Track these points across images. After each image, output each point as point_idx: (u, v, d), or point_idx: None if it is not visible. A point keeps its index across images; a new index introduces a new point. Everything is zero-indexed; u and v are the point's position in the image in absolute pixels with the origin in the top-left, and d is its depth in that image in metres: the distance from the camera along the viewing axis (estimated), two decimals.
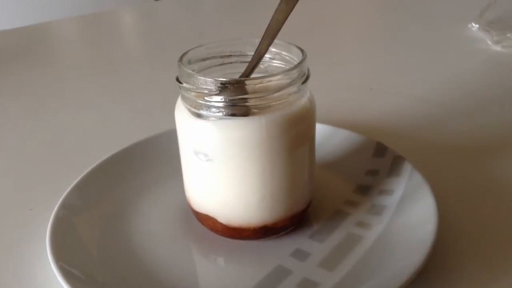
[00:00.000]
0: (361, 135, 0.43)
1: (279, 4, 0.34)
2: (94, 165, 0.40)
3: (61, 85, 0.67)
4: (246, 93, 0.31)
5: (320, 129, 0.44)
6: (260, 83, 0.30)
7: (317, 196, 0.38)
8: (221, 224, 0.34)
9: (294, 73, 0.31)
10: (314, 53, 0.72)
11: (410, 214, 0.35)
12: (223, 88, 0.30)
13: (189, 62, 0.34)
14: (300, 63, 0.32)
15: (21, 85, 0.66)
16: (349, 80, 0.63)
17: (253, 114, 0.31)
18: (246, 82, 0.31)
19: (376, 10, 0.98)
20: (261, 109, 0.31)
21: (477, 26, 0.73)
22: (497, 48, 0.69)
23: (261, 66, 0.36)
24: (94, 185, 0.38)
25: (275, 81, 0.31)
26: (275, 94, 0.31)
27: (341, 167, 0.42)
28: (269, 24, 0.34)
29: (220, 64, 0.36)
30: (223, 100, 0.30)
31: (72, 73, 0.71)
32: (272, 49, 0.35)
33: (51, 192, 0.41)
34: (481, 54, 0.69)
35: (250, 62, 0.34)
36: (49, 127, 0.54)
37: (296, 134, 0.32)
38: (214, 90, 0.30)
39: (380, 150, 0.41)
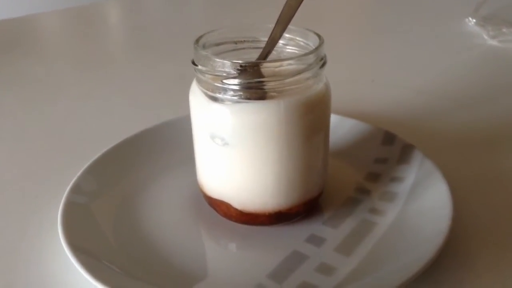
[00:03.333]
0: (369, 124, 0.43)
1: None
2: (104, 150, 0.39)
3: (53, 76, 0.66)
4: (262, 76, 0.31)
5: None
6: (278, 67, 0.30)
7: (329, 183, 0.38)
8: (235, 209, 0.33)
9: (311, 58, 0.31)
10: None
11: (423, 201, 0.35)
12: (241, 70, 0.30)
13: (204, 47, 0.33)
14: (317, 47, 0.32)
15: (14, 76, 0.65)
16: (350, 72, 0.63)
17: (270, 98, 0.31)
18: (264, 65, 0.30)
19: (375, 4, 0.99)
20: (278, 93, 0.31)
21: (474, 21, 0.74)
22: (493, 42, 0.70)
23: (274, 52, 0.35)
24: (104, 170, 0.38)
25: (293, 65, 0.31)
26: (293, 78, 0.31)
27: (350, 156, 0.42)
28: (282, 10, 0.34)
29: (233, 50, 0.35)
30: (241, 83, 0.30)
31: (62, 65, 0.70)
32: (286, 34, 0.35)
33: (54, 179, 0.41)
34: (478, 48, 0.70)
35: (264, 48, 0.34)
36: (47, 117, 0.54)
37: (312, 119, 0.32)
38: (232, 72, 0.30)
39: (388, 138, 0.42)
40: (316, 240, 0.33)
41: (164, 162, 0.40)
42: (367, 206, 0.36)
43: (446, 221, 0.31)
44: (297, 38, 0.35)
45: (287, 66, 0.31)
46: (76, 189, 0.35)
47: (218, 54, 0.35)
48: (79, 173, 0.37)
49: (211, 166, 0.33)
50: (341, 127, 0.44)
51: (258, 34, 0.35)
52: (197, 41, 0.32)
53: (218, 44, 0.35)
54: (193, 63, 0.32)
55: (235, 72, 0.30)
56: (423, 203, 0.35)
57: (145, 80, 0.63)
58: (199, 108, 0.32)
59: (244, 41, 0.36)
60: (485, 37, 0.71)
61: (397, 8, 0.93)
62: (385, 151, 0.41)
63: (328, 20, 0.86)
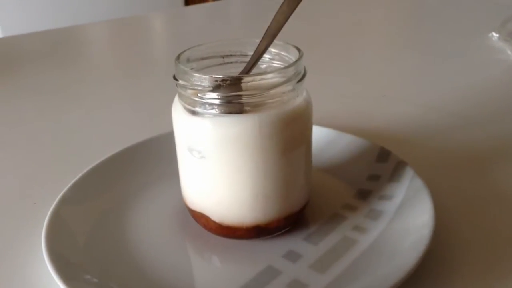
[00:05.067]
0: (366, 140, 0.43)
1: (281, 6, 0.34)
2: (94, 164, 0.40)
3: (78, 86, 0.68)
4: (240, 90, 0.31)
5: (325, 133, 0.44)
6: (253, 81, 0.31)
7: (316, 198, 0.38)
8: (214, 222, 0.34)
9: (289, 72, 0.31)
10: (329, 59, 0.72)
11: (407, 219, 0.34)
12: (217, 85, 0.30)
13: (188, 61, 0.34)
14: (295, 61, 0.32)
15: (41, 86, 0.68)
16: (362, 87, 0.63)
17: (248, 112, 0.31)
18: (240, 79, 0.31)
19: (395, 18, 0.97)
20: (255, 107, 0.31)
21: (498, 36, 0.72)
22: None
23: (262, 66, 0.36)
24: (93, 182, 0.39)
25: (270, 79, 0.31)
26: (270, 92, 0.31)
27: (344, 172, 0.41)
28: (269, 25, 0.34)
29: (220, 64, 0.36)
30: (217, 97, 0.31)
31: (92, 75, 0.73)
32: (272, 49, 0.35)
33: (55, 187, 0.42)
34: (501, 64, 0.67)
35: (248, 62, 0.34)
36: (60, 127, 0.55)
37: (290, 133, 0.32)
38: (208, 86, 0.30)
39: (383, 155, 0.41)
40: (293, 256, 0.33)
41: (155, 175, 0.41)
42: (351, 223, 0.36)
43: (424, 242, 0.31)
44: (282, 53, 0.35)
45: (266, 80, 0.31)
46: (64, 201, 0.36)
47: (204, 68, 0.35)
48: (67, 186, 0.37)
49: (190, 179, 0.34)
50: (338, 143, 0.44)
51: (245, 48, 0.36)
52: (178, 56, 0.33)
53: (204, 58, 0.35)
54: (174, 77, 0.32)
55: (211, 86, 0.30)
56: (406, 222, 0.34)
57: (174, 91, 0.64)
58: (179, 121, 0.33)
59: (231, 55, 0.36)
60: (509, 52, 0.69)
61: (418, 21, 0.92)
62: (379, 168, 0.40)
63: (345, 33, 0.86)
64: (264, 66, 0.36)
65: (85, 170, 0.39)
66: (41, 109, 0.61)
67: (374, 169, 0.40)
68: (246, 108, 0.31)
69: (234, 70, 0.36)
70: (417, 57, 0.73)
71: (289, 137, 0.32)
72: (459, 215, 0.37)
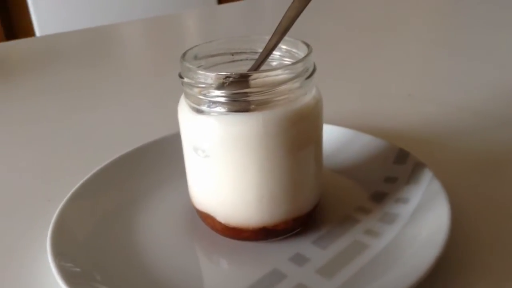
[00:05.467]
0: (384, 140, 0.41)
1: (293, 1, 0.33)
2: (104, 163, 0.40)
3: (106, 84, 0.68)
4: (246, 88, 0.30)
5: (342, 133, 0.43)
6: (258, 78, 0.30)
7: (329, 200, 0.37)
8: (220, 223, 0.33)
9: (297, 68, 0.30)
10: (356, 57, 0.70)
11: (421, 224, 0.33)
12: (222, 82, 0.30)
13: (196, 58, 0.33)
14: (303, 58, 0.31)
15: (68, 84, 0.69)
16: (388, 85, 0.61)
17: (254, 110, 0.30)
18: (245, 76, 0.30)
19: (425, 14, 0.94)
20: (261, 105, 0.30)
21: None
22: None
23: (272, 64, 0.35)
24: (102, 182, 0.39)
25: (276, 76, 0.30)
26: (276, 90, 0.30)
27: (361, 172, 0.40)
28: (280, 21, 0.33)
29: (230, 61, 0.35)
30: (220, 94, 0.30)
31: (121, 74, 0.73)
32: (282, 46, 0.34)
33: (70, 185, 0.42)
34: None
35: (257, 59, 0.33)
36: (82, 124, 0.56)
37: (297, 132, 0.31)
38: (212, 84, 0.30)
39: (401, 156, 0.39)
40: (300, 260, 0.32)
41: (166, 175, 0.41)
42: (363, 227, 0.34)
43: (437, 248, 0.29)
44: (293, 50, 0.34)
45: (272, 77, 0.30)
46: (73, 200, 0.36)
47: (213, 66, 0.35)
48: (76, 185, 0.37)
49: (195, 179, 0.33)
50: (355, 143, 0.42)
51: (255, 45, 0.35)
52: (184, 54, 0.32)
53: (213, 56, 0.35)
54: (180, 76, 0.32)
55: (216, 84, 0.30)
56: (420, 227, 0.32)
57: None
58: (185, 120, 0.32)
59: (242, 52, 0.35)
60: None
61: (449, 17, 0.89)
62: (397, 170, 0.39)
63: (374, 30, 0.84)
64: (274, 63, 0.35)
65: (95, 170, 0.39)
66: (64, 107, 0.61)
67: (391, 170, 0.39)
68: (252, 106, 0.30)
69: (244, 68, 0.35)
70: (446, 55, 0.70)
71: (296, 137, 0.31)
72: (479, 220, 0.35)
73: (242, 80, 0.30)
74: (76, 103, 0.62)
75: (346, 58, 0.71)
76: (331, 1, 1.00)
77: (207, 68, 0.34)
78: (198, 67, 0.34)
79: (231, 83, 0.30)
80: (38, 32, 1.70)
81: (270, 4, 1.13)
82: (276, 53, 0.34)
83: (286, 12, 0.33)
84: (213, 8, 1.56)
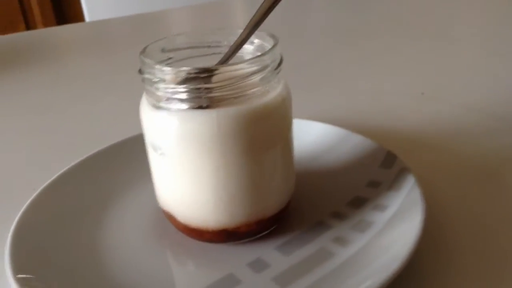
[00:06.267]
0: (374, 141, 0.39)
1: None
2: (69, 165, 0.39)
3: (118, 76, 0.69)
4: (206, 83, 0.29)
5: (334, 132, 0.41)
6: (219, 73, 0.28)
7: (305, 203, 0.35)
8: (180, 223, 0.32)
9: (259, 62, 0.29)
10: (367, 55, 0.67)
11: (393, 235, 0.30)
12: (180, 77, 0.28)
13: (163, 51, 0.32)
14: (264, 53, 0.29)
15: (79, 73, 0.69)
16: (400, 83, 0.58)
17: (214, 107, 0.29)
18: (204, 71, 0.28)
19: (438, 9, 0.89)
20: (221, 102, 0.29)
21: None
22: None
23: (246, 57, 0.33)
24: (73, 180, 0.38)
25: (235, 71, 0.28)
26: (233, 86, 0.28)
27: (346, 175, 0.38)
28: (254, 14, 0.31)
29: (203, 55, 0.34)
30: (177, 90, 0.28)
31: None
32: (255, 40, 0.33)
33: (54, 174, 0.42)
34: None
35: (225, 53, 0.32)
36: (79, 114, 0.56)
37: (257, 132, 0.29)
38: (165, 79, 0.28)
39: (388, 160, 0.37)
40: (258, 265, 0.30)
41: (138, 174, 0.38)
42: (334, 234, 0.32)
43: (397, 262, 0.27)
44: (265, 44, 0.32)
45: (233, 72, 0.29)
46: (34, 205, 0.34)
47: (184, 59, 0.33)
48: (39, 189, 0.36)
49: (156, 177, 0.32)
50: (346, 143, 0.40)
51: (230, 38, 0.33)
52: (144, 48, 0.31)
53: (185, 48, 0.33)
54: (139, 71, 0.30)
55: (170, 79, 0.28)
56: (391, 238, 0.30)
57: None
58: (144, 118, 0.31)
59: (215, 46, 0.34)
60: None
61: (464, 12, 0.83)
62: (381, 174, 0.36)
63: (387, 25, 0.80)
64: (248, 57, 0.33)
65: (65, 168, 0.38)
66: (69, 97, 0.62)
67: (376, 174, 0.36)
68: (211, 103, 0.29)
69: (216, 61, 0.33)
70: (463, 51, 0.66)
71: (256, 137, 0.29)
72: (465, 233, 0.32)
73: (201, 75, 0.28)
74: (80, 93, 0.62)
75: (358, 56, 0.68)
76: None
77: (178, 61, 0.33)
78: (168, 59, 0.33)
79: (191, 78, 0.28)
80: (87, 17, 1.73)
81: None
82: (249, 47, 0.33)
83: (261, 4, 0.31)
84: None
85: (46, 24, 1.96)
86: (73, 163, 0.39)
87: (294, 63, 0.64)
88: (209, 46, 0.34)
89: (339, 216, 0.34)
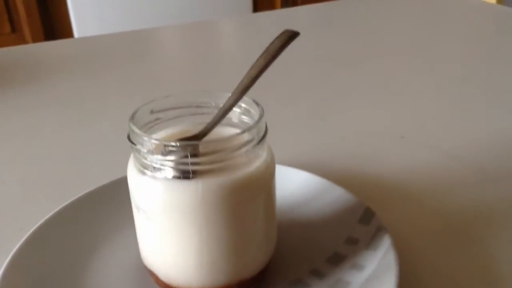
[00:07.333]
0: (355, 195, 0.40)
1: (257, 60, 0.32)
2: (53, 211, 0.39)
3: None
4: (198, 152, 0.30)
5: (316, 183, 0.42)
6: (204, 146, 0.29)
7: (285, 260, 0.36)
8: (162, 282, 0.33)
9: (244, 137, 0.30)
10: (347, 92, 0.68)
11: None
12: (164, 149, 0.29)
13: (152, 112, 0.33)
14: (249, 128, 0.30)
15: (64, 96, 0.69)
16: (382, 124, 0.59)
17: (196, 177, 0.30)
18: (187, 145, 0.29)
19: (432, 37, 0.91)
20: (204, 172, 0.30)
21: None
22: None
23: (233, 120, 0.34)
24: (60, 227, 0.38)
25: (219, 144, 0.30)
26: (215, 158, 0.29)
27: (325, 230, 0.39)
28: (242, 80, 0.33)
29: (192, 114, 0.35)
30: (161, 161, 0.29)
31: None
32: (242, 104, 0.34)
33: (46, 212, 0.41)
34: None
35: (212, 119, 0.33)
36: (66, 142, 0.56)
37: (240, 201, 0.30)
38: (149, 150, 0.29)
39: (367, 216, 0.38)
40: None
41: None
42: None
43: None
44: (251, 110, 0.33)
45: (218, 143, 0.30)
46: (14, 262, 0.34)
47: (173, 118, 0.34)
48: (19, 243, 0.35)
49: (140, 236, 0.33)
50: (328, 194, 0.41)
51: (218, 100, 0.34)
52: (133, 114, 0.32)
53: (174, 109, 0.34)
54: (128, 138, 0.31)
55: (153, 150, 0.29)
56: None
57: None
58: (130, 177, 0.32)
59: (204, 106, 0.35)
60: None
61: (458, 49, 0.85)
62: (360, 231, 0.38)
63: (372, 58, 0.81)
64: (235, 121, 0.34)
65: (49, 214, 0.38)
66: (62, 122, 0.62)
67: (354, 231, 0.38)
68: (195, 173, 0.30)
69: (206, 120, 0.34)
70: (451, 91, 0.68)
71: (239, 205, 0.30)
72: None
73: (188, 148, 0.29)
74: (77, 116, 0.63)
75: (337, 94, 0.70)
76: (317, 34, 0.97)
77: (166, 121, 0.34)
78: (156, 119, 0.34)
79: (173, 150, 0.29)
80: (76, 33, 1.74)
81: (304, 13, 1.12)
82: (236, 110, 0.34)
83: (249, 70, 0.33)
84: (248, 16, 1.55)
85: (31, 26, 1.95)
86: (56, 209, 0.39)
87: (274, 99, 0.65)
88: (197, 106, 0.35)
89: (319, 274, 0.35)
